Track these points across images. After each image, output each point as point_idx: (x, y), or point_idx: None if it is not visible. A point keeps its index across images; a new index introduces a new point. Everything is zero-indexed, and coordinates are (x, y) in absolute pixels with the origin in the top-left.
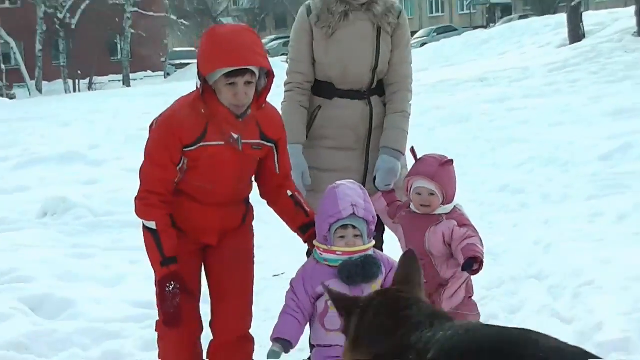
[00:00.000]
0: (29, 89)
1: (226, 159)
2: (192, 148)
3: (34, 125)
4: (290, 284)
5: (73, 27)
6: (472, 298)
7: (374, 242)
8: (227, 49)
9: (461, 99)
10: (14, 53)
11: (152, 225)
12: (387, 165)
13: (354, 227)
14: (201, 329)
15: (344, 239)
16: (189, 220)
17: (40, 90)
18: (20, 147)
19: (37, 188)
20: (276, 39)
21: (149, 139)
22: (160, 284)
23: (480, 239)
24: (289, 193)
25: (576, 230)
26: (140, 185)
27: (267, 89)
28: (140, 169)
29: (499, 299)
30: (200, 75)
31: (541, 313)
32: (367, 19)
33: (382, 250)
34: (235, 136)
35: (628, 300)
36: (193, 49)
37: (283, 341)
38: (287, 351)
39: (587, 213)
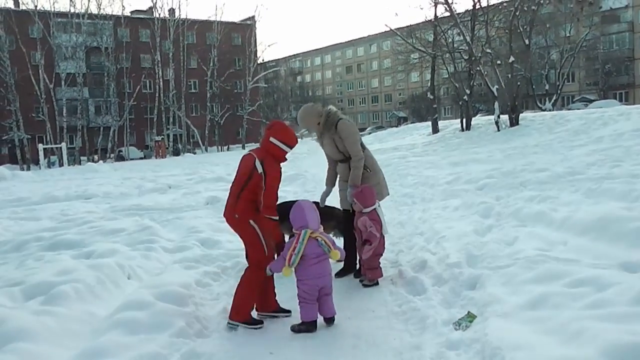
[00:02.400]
0: (202, 151)
1: None
2: None
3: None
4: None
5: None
6: (381, 255)
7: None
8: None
9: (387, 156)
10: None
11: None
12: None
13: None
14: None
15: None
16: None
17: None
18: (197, 174)
19: (204, 191)
20: (307, 130)
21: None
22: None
23: (379, 226)
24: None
25: (437, 213)
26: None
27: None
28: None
29: (405, 244)
30: (289, 145)
31: (422, 250)
32: (327, 135)
33: None
34: None
35: (460, 244)
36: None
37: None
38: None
39: (441, 206)
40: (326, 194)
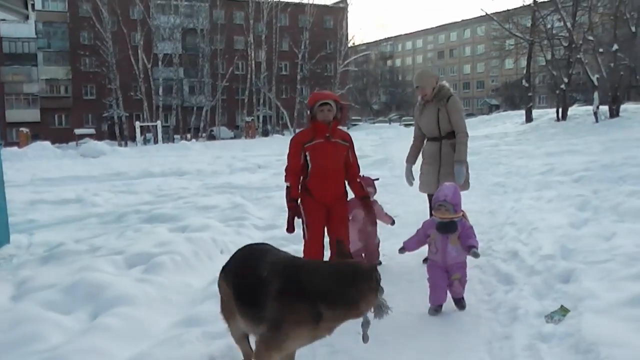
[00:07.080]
0: (290, 132)
1: (327, 147)
2: (308, 144)
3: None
4: (422, 224)
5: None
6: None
7: (460, 214)
8: (320, 94)
9: (477, 144)
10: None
11: (288, 184)
12: (457, 170)
13: (444, 206)
14: (324, 240)
15: (439, 211)
16: (317, 189)
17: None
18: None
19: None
20: (396, 115)
21: (289, 146)
22: (289, 210)
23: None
24: (358, 180)
25: (530, 204)
26: (286, 166)
27: (341, 116)
28: (287, 157)
29: (495, 233)
30: (309, 108)
31: (513, 240)
32: (432, 105)
33: None
34: (327, 135)
35: (554, 236)
36: None
37: (402, 248)
38: (402, 252)
39: (535, 197)
40: (409, 170)
